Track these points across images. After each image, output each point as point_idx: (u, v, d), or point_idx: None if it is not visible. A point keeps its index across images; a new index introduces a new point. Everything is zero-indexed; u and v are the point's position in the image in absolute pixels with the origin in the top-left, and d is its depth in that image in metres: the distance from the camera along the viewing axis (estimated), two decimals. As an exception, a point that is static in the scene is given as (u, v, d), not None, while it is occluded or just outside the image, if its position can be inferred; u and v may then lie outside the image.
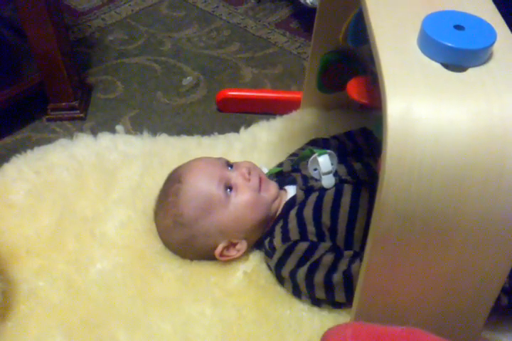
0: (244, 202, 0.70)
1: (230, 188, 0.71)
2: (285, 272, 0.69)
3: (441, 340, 0.46)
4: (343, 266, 0.66)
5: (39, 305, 0.69)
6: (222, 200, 0.70)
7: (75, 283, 0.71)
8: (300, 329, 0.67)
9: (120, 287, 0.71)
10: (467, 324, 0.56)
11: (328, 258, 0.66)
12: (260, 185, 0.73)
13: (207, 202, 0.70)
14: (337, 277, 0.65)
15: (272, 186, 0.74)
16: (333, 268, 0.66)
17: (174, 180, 0.73)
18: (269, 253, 0.71)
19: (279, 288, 0.70)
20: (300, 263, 0.67)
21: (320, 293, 0.67)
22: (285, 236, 0.70)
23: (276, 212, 0.73)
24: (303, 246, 0.68)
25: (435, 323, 0.55)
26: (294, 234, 0.69)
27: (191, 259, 0.74)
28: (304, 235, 0.69)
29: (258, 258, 0.73)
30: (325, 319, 0.67)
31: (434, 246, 0.48)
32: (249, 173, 0.72)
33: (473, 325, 0.56)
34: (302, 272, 0.67)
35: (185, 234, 0.72)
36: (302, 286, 0.68)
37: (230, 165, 0.75)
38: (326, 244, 0.68)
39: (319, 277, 0.66)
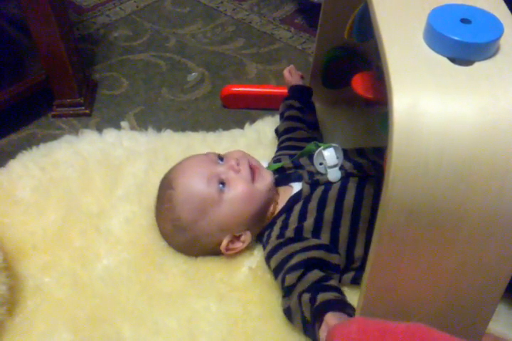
0: (239, 196, 0.69)
1: (223, 184, 0.70)
2: (271, 266, 0.69)
3: (446, 336, 0.46)
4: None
5: (45, 300, 0.69)
6: (215, 198, 0.69)
7: (81, 279, 0.72)
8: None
9: (125, 283, 0.71)
10: (473, 319, 0.56)
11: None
12: (253, 174, 0.72)
13: (201, 203, 0.69)
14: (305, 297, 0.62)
15: (266, 173, 0.73)
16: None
17: (166, 187, 0.73)
18: (264, 245, 0.72)
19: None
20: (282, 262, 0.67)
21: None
22: (281, 232, 0.70)
23: (276, 201, 0.73)
24: (292, 247, 0.68)
25: (440, 319, 0.54)
26: (290, 230, 0.69)
27: (197, 256, 0.74)
28: (298, 233, 0.69)
29: (263, 253, 0.73)
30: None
31: (439, 241, 0.48)
32: (238, 164, 0.71)
33: (478, 320, 0.56)
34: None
35: (187, 236, 0.72)
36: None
37: (220, 157, 0.74)
38: (311, 253, 0.67)
39: (290, 279, 0.65)
